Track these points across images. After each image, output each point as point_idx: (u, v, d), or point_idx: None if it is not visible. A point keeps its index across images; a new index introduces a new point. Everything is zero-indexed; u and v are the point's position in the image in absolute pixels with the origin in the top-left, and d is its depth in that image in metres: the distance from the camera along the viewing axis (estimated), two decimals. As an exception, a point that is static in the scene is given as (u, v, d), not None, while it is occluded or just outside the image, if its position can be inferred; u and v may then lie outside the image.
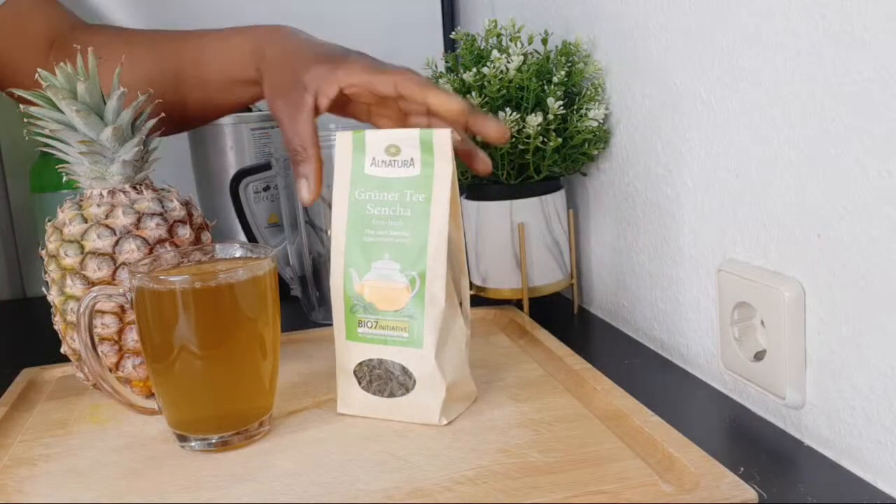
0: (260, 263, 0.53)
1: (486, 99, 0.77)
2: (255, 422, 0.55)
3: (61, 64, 0.57)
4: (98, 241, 0.58)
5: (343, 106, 0.66)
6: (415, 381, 0.55)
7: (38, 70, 0.57)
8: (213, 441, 0.53)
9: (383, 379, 0.56)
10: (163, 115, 0.62)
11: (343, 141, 0.57)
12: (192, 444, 0.54)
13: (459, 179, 0.82)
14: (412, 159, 0.55)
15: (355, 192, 0.57)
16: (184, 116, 0.73)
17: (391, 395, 0.56)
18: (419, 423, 0.55)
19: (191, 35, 0.74)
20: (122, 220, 0.58)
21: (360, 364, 0.57)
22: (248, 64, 0.69)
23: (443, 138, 0.54)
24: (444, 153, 0.55)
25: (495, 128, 0.60)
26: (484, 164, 0.62)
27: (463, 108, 0.59)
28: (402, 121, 0.66)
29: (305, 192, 0.61)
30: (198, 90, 0.72)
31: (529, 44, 0.81)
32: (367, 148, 0.56)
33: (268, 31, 0.69)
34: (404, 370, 0.55)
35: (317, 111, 0.62)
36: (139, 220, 0.59)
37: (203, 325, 0.52)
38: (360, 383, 0.57)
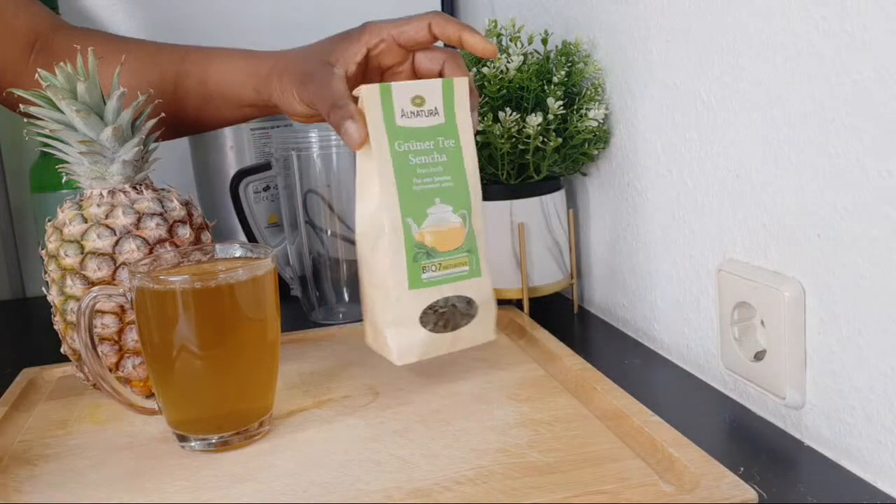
0: (260, 263, 0.54)
1: (486, 99, 0.77)
2: (255, 422, 0.55)
3: (61, 64, 0.57)
4: (98, 241, 0.58)
5: (360, 80, 0.64)
6: (477, 308, 0.60)
7: (38, 70, 0.57)
8: (213, 441, 0.53)
9: (445, 316, 0.59)
10: (163, 115, 0.62)
11: (370, 94, 0.57)
12: (192, 443, 0.54)
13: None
14: (436, 108, 0.58)
15: (394, 144, 0.57)
16: (176, 126, 0.73)
17: (455, 327, 0.60)
18: (479, 344, 0.61)
19: (192, 50, 0.74)
20: (122, 220, 0.58)
21: (425, 310, 0.58)
22: (246, 84, 0.69)
23: (462, 86, 0.59)
24: (463, 100, 0.59)
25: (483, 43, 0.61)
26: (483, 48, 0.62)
27: (496, 52, 0.60)
28: (413, 73, 0.66)
29: (356, 134, 0.57)
30: (197, 102, 0.72)
31: (529, 44, 0.81)
32: (395, 100, 0.57)
33: (261, 54, 0.69)
34: (467, 301, 0.59)
35: (347, 80, 0.62)
36: (139, 220, 0.59)
37: (203, 325, 0.52)
38: (425, 327, 0.58)
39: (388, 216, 0.57)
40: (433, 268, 0.58)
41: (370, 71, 0.65)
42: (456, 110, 0.59)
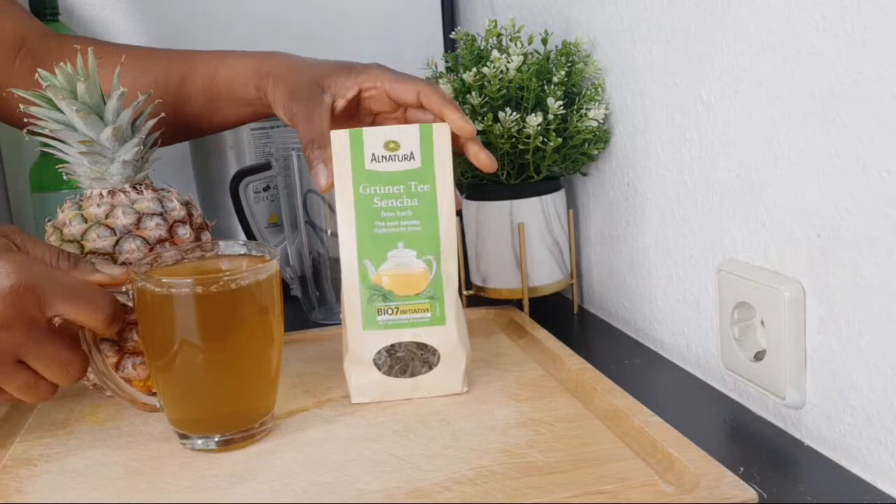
0: (265, 266, 0.53)
1: (486, 99, 0.77)
2: (256, 422, 0.55)
3: (61, 64, 0.57)
4: (98, 241, 0.58)
5: (351, 116, 0.67)
6: (439, 357, 0.59)
7: (38, 70, 0.57)
8: (215, 440, 0.53)
9: (404, 361, 0.59)
10: (163, 115, 0.62)
11: (339, 139, 0.58)
12: (195, 442, 0.54)
13: (459, 179, 0.83)
14: (412, 153, 0.58)
15: (359, 187, 0.58)
16: (174, 131, 0.73)
17: (413, 374, 0.59)
18: (441, 394, 0.59)
19: (189, 54, 0.74)
20: (122, 220, 0.58)
21: (379, 351, 0.58)
22: (249, 81, 0.69)
23: (442, 132, 0.58)
24: (443, 146, 0.58)
25: (487, 160, 0.62)
26: (489, 161, 0.63)
27: (474, 132, 0.61)
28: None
29: (323, 178, 0.60)
30: (201, 102, 0.72)
31: (529, 44, 0.81)
32: (366, 144, 0.58)
33: (268, 54, 0.70)
34: (427, 348, 0.58)
35: (333, 112, 0.63)
36: (139, 220, 0.59)
37: (206, 326, 0.52)
38: (380, 370, 0.58)
39: (344, 256, 0.59)
40: (389, 311, 0.58)
41: (361, 112, 0.67)
42: (434, 156, 0.58)
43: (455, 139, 0.60)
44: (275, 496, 0.47)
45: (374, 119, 0.68)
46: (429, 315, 0.59)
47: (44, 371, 0.51)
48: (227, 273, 0.53)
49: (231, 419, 0.54)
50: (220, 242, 0.58)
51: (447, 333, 0.59)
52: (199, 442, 0.54)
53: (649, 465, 0.48)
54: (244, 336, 0.53)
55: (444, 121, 0.60)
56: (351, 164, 0.58)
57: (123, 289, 0.54)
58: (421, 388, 0.59)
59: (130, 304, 0.53)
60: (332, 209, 0.83)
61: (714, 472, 0.45)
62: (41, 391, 0.52)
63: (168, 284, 0.51)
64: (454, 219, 0.59)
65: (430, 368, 0.59)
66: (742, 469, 0.49)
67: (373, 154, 0.58)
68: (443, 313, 0.59)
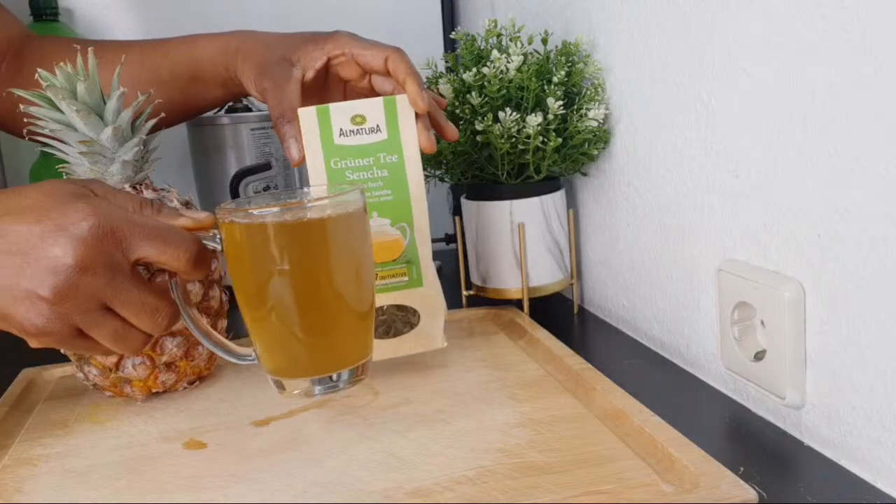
0: (350, 199, 0.50)
1: (486, 99, 0.77)
2: (353, 364, 0.52)
3: (61, 64, 0.57)
4: (98, 241, 0.58)
5: (321, 85, 0.68)
6: (419, 316, 0.62)
7: (38, 70, 0.57)
8: (317, 388, 0.51)
9: (387, 323, 0.62)
10: (163, 114, 0.62)
11: (307, 116, 0.60)
12: (293, 388, 0.51)
13: (459, 179, 0.83)
14: (378, 126, 0.60)
15: (330, 161, 0.60)
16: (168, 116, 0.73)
17: (396, 334, 0.61)
18: (424, 350, 0.63)
19: (160, 42, 0.75)
20: (122, 220, 0.58)
21: None
22: (218, 62, 0.70)
23: (404, 103, 0.61)
24: (407, 117, 0.61)
25: (451, 130, 0.66)
26: (452, 132, 0.66)
27: (425, 110, 0.62)
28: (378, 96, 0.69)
29: (295, 151, 0.62)
30: (174, 92, 0.73)
31: (529, 44, 0.81)
32: (333, 120, 0.60)
33: (235, 32, 0.72)
34: (408, 309, 0.61)
35: (302, 84, 0.65)
36: (139, 220, 0.59)
37: (295, 255, 0.48)
38: None
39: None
40: None
41: (331, 79, 0.68)
42: (400, 126, 0.60)
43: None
44: (275, 496, 0.47)
45: (346, 86, 0.69)
46: (406, 279, 0.62)
47: (132, 318, 0.49)
48: (314, 202, 0.50)
49: (327, 360, 0.51)
50: (305, 189, 0.58)
51: (424, 294, 0.62)
52: (297, 390, 0.51)
53: (649, 465, 0.48)
54: (334, 268, 0.50)
55: (404, 90, 0.62)
56: (320, 139, 0.60)
57: (211, 233, 0.52)
58: (404, 347, 0.62)
59: (218, 247, 0.51)
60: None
61: (714, 472, 0.45)
62: (132, 340, 0.50)
63: (256, 215, 0.48)
64: (423, 184, 0.61)
65: (412, 328, 0.62)
66: (742, 469, 0.49)
67: (340, 129, 0.60)
68: (419, 275, 0.62)
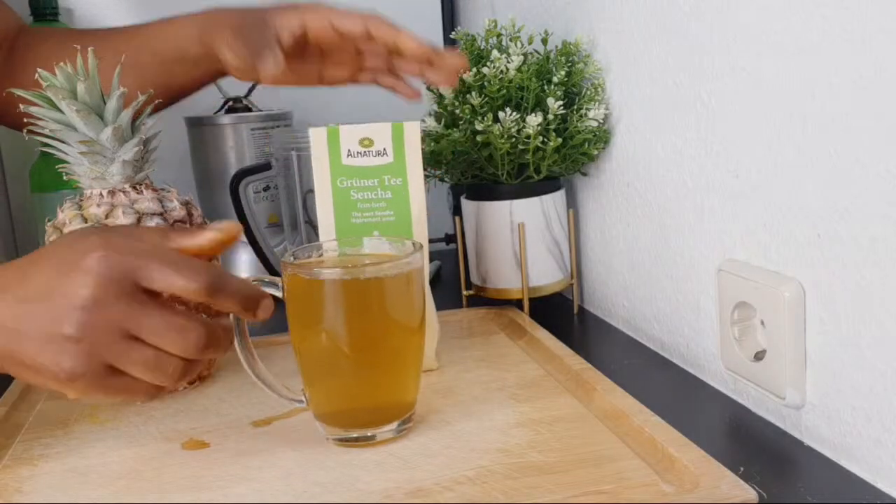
0: (408, 259, 0.53)
1: (486, 99, 0.77)
2: (398, 418, 0.54)
3: (61, 64, 0.57)
4: (98, 241, 0.58)
5: (300, 54, 0.68)
6: None
7: (38, 70, 0.57)
8: (354, 435, 0.53)
9: None
10: (160, 101, 0.63)
11: (318, 136, 0.62)
12: (338, 434, 0.53)
13: (459, 179, 0.83)
14: (385, 149, 0.63)
15: (337, 180, 0.63)
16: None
17: None
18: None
19: (140, 26, 0.75)
20: (122, 220, 0.58)
21: None
22: (194, 40, 0.70)
23: (413, 130, 0.63)
24: (413, 142, 0.63)
25: (458, 59, 0.67)
26: (461, 59, 0.68)
27: (430, 51, 0.63)
28: (358, 67, 0.71)
29: (272, 66, 0.64)
30: (155, 75, 0.73)
31: (529, 44, 0.81)
32: (342, 141, 0.62)
33: (208, 9, 0.72)
34: None
35: (280, 46, 0.65)
36: (139, 220, 0.59)
37: (349, 313, 0.51)
38: None
39: (325, 242, 0.61)
40: None
41: (309, 51, 0.68)
42: (406, 151, 0.63)
43: (419, 66, 0.64)
44: (275, 496, 0.47)
45: (323, 59, 0.69)
46: None
47: (161, 342, 0.47)
48: (372, 263, 0.53)
49: (372, 413, 0.53)
50: (365, 239, 0.59)
51: None
52: (342, 435, 0.53)
53: (649, 465, 0.48)
54: (384, 327, 0.53)
55: (398, 48, 0.66)
56: (329, 159, 0.62)
57: (276, 282, 0.53)
58: None
59: (280, 294, 0.53)
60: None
61: (714, 472, 0.45)
62: (167, 366, 0.47)
63: (316, 273, 0.51)
64: (424, 207, 0.63)
65: None
66: (742, 469, 0.49)
67: (349, 150, 0.62)
68: None
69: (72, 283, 0.46)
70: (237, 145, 1.01)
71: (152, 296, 0.48)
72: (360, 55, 0.71)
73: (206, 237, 0.50)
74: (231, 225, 0.52)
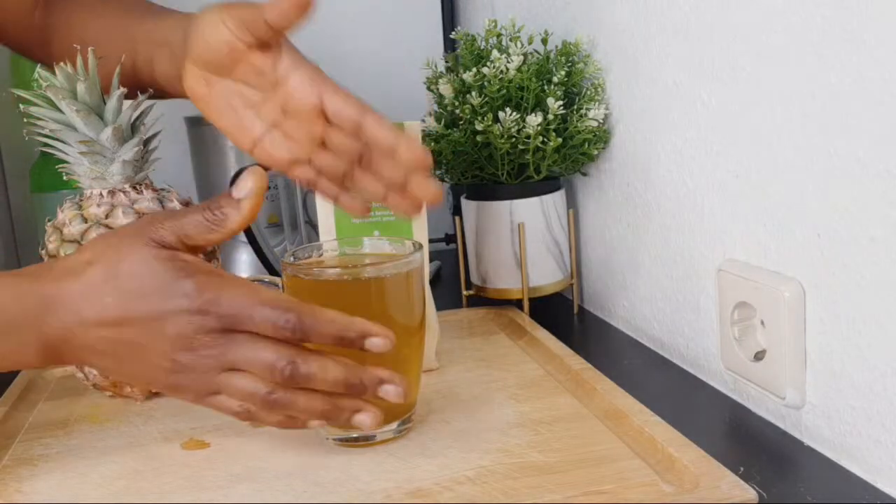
0: (407, 259, 0.53)
1: (486, 99, 0.77)
2: (400, 418, 0.54)
3: (61, 64, 0.57)
4: (98, 241, 0.58)
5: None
6: None
7: (38, 70, 0.57)
8: (355, 436, 0.53)
9: None
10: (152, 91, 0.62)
11: None
12: (335, 437, 0.53)
13: (459, 179, 0.83)
14: None
15: None
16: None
17: None
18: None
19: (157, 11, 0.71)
20: (122, 220, 0.58)
21: None
22: (176, 26, 0.68)
23: (413, 130, 0.63)
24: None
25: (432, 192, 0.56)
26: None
27: (423, 159, 0.54)
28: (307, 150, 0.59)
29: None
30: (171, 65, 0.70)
31: (529, 44, 0.81)
32: None
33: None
34: None
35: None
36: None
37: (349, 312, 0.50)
38: None
39: (325, 242, 0.61)
40: None
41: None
42: None
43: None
44: (275, 496, 0.47)
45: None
46: None
47: (253, 368, 0.45)
48: (372, 263, 0.53)
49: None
50: (366, 240, 0.59)
51: None
52: (342, 435, 0.53)
53: (649, 465, 0.48)
54: (390, 324, 0.51)
55: (394, 153, 0.56)
56: None
57: (276, 283, 0.54)
58: None
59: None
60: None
61: (714, 472, 0.45)
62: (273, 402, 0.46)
63: (317, 273, 0.52)
64: (424, 209, 0.60)
65: None
66: (742, 469, 0.49)
67: None
68: None
69: (170, 315, 0.45)
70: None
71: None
72: (320, 140, 0.56)
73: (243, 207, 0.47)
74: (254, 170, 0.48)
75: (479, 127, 0.76)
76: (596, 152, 0.78)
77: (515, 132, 0.76)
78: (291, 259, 0.54)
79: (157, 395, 0.64)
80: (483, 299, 0.84)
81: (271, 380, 0.45)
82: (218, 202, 0.48)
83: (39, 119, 0.58)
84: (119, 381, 0.62)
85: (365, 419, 0.47)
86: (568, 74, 0.78)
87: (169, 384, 0.47)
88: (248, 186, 0.47)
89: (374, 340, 0.46)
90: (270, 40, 0.55)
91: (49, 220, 0.61)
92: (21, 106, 0.58)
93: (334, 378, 0.46)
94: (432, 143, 0.80)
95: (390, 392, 0.47)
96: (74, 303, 0.46)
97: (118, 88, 0.59)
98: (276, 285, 0.53)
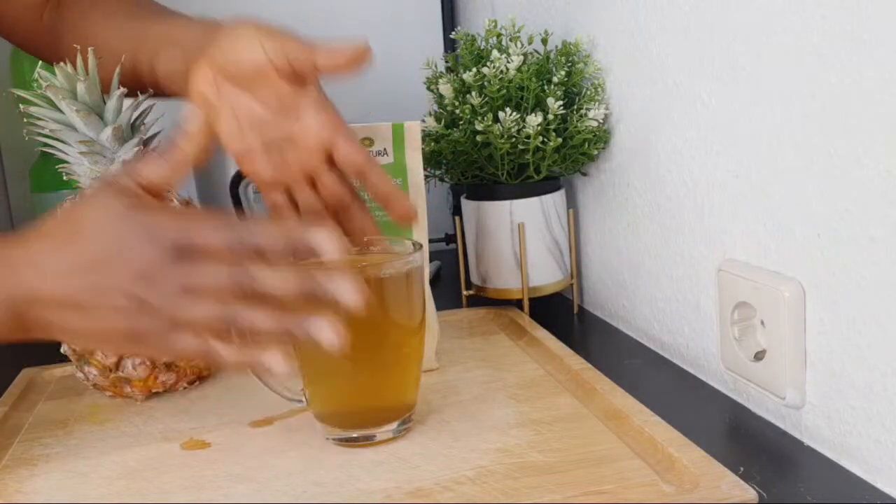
0: (405, 259, 0.53)
1: (486, 99, 0.77)
2: (397, 419, 0.54)
3: (61, 64, 0.57)
4: (98, 241, 0.57)
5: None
6: None
7: (38, 70, 0.57)
8: (355, 436, 0.53)
9: None
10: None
11: None
12: (338, 435, 0.53)
13: (459, 179, 0.83)
14: (385, 150, 0.63)
15: None
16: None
17: None
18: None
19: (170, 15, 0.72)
20: (122, 220, 0.58)
21: None
22: (196, 27, 0.67)
23: (413, 130, 0.63)
24: (413, 142, 0.63)
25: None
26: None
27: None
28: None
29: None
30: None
31: (529, 44, 0.81)
32: None
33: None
34: None
35: None
36: (139, 220, 0.59)
37: (354, 319, 0.49)
38: None
39: None
40: None
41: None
42: (406, 151, 0.63)
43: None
44: (275, 496, 0.47)
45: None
46: None
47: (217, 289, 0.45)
48: (372, 263, 0.53)
49: (372, 413, 0.53)
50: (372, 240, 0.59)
51: None
52: (342, 435, 0.53)
53: (649, 465, 0.48)
54: (384, 327, 0.52)
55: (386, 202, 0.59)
56: None
57: None
58: None
59: None
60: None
61: (714, 472, 0.45)
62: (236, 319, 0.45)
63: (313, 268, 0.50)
64: (424, 208, 0.63)
65: None
66: (742, 469, 0.49)
67: None
68: None
69: (128, 252, 0.45)
70: (237, 145, 1.01)
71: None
72: (310, 175, 0.58)
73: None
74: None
75: (479, 127, 0.76)
76: (596, 152, 0.78)
77: (515, 132, 0.76)
78: (291, 259, 0.54)
79: (156, 395, 0.64)
80: (483, 299, 0.84)
81: (231, 295, 0.45)
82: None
83: (39, 119, 0.58)
84: (84, 348, 0.61)
85: (325, 326, 0.45)
86: (568, 74, 0.78)
87: (130, 333, 0.46)
88: (196, 123, 0.50)
89: (320, 240, 0.46)
90: (308, 77, 0.56)
91: (49, 220, 0.61)
92: (21, 106, 0.58)
93: (292, 284, 0.45)
94: (432, 143, 0.80)
95: (346, 290, 0.45)
96: (41, 259, 0.46)
97: (118, 88, 0.59)
98: None
